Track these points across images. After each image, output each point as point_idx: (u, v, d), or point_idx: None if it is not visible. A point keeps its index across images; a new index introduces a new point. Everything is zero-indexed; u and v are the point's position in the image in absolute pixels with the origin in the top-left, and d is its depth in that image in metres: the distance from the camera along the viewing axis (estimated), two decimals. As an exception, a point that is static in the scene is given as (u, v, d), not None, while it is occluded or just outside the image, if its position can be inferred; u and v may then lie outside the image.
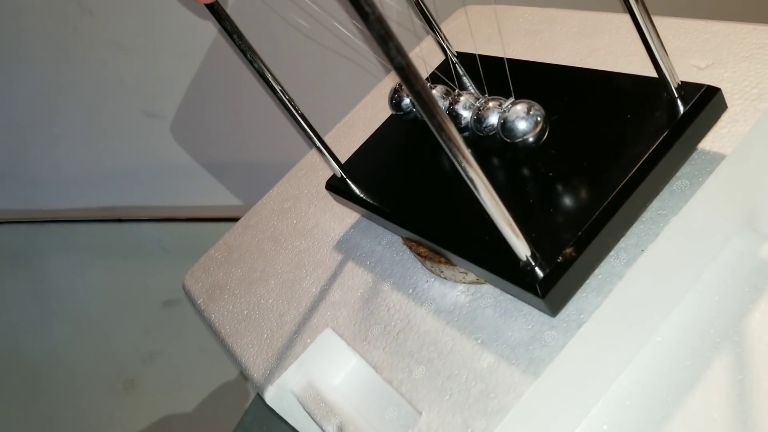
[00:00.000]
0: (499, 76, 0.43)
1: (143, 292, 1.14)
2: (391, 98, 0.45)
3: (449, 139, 0.29)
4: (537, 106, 0.36)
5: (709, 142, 0.38)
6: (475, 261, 0.36)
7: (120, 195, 1.20)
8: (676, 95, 0.35)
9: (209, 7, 0.40)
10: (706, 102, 0.34)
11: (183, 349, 1.08)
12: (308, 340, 0.44)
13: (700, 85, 0.35)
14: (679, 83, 0.35)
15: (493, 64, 0.46)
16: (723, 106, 0.35)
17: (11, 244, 1.24)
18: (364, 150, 0.49)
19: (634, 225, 0.36)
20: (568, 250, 0.32)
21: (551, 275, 0.32)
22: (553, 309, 0.33)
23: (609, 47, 0.48)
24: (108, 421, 1.14)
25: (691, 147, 0.36)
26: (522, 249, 0.32)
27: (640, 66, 0.44)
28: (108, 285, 1.17)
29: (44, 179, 1.22)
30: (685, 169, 0.38)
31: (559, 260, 0.32)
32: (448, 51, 0.49)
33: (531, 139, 0.36)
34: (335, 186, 0.48)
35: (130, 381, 1.16)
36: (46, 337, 1.16)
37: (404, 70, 0.26)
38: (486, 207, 0.30)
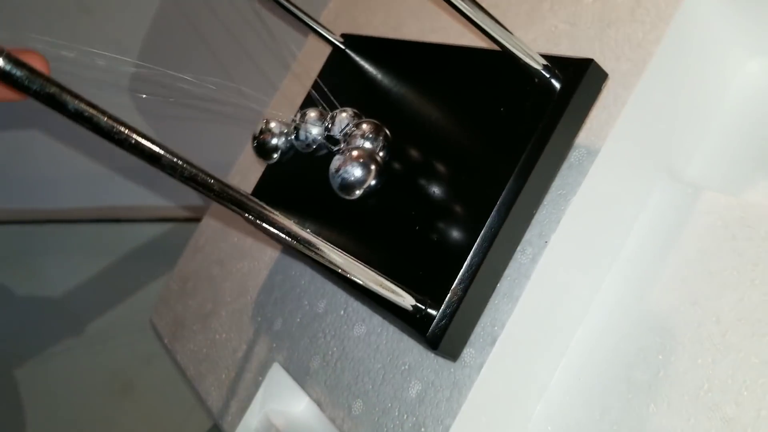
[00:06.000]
0: (386, 65, 0.40)
1: (142, 293, 1.15)
2: (260, 149, 0.42)
3: (296, 242, 0.26)
4: (361, 160, 0.34)
5: (601, 103, 0.34)
6: (373, 302, 0.34)
7: (119, 195, 1.20)
8: (548, 75, 0.31)
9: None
10: (580, 77, 0.31)
11: (181, 350, 1.10)
12: (260, 378, 0.44)
13: (569, 60, 0.31)
14: (545, 64, 0.31)
15: (385, 47, 0.42)
16: (602, 75, 0.31)
17: (9, 244, 1.25)
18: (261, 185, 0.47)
19: (537, 212, 0.34)
20: (454, 289, 0.30)
21: (439, 325, 0.30)
22: (452, 355, 0.31)
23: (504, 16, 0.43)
24: (105, 423, 1.17)
25: (579, 121, 0.32)
26: (405, 301, 0.30)
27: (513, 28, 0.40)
28: (106, 285, 1.18)
29: (43, 179, 1.22)
30: (582, 138, 0.34)
31: (446, 304, 0.30)
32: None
33: (373, 183, 0.33)
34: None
35: (128, 383, 1.19)
36: (43, 338, 1.18)
37: (194, 179, 0.24)
38: (354, 278, 0.28)
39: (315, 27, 0.44)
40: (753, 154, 0.34)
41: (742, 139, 0.35)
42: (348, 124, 0.36)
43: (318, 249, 0.27)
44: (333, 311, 0.42)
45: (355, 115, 0.37)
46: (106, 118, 0.22)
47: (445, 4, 0.28)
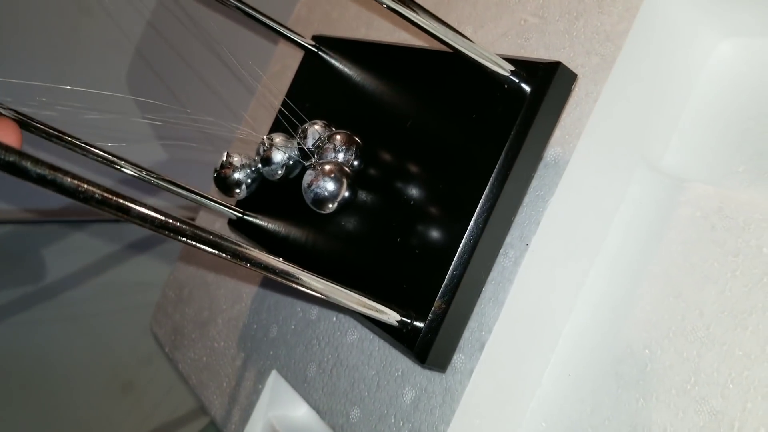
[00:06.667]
0: (361, 67, 0.39)
1: (142, 293, 1.15)
2: (221, 183, 0.42)
3: (275, 275, 0.27)
4: (332, 176, 0.34)
5: (573, 100, 0.34)
6: (359, 316, 0.34)
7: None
8: (517, 80, 0.31)
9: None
10: (548, 81, 0.30)
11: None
12: (259, 386, 0.45)
13: (536, 65, 0.30)
14: (512, 69, 0.31)
15: (357, 49, 0.42)
16: (571, 76, 0.31)
17: (10, 244, 1.25)
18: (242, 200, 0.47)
19: (516, 215, 0.34)
20: (438, 302, 0.30)
21: (425, 339, 0.30)
22: (441, 366, 0.31)
23: (471, 17, 0.43)
24: (105, 423, 1.17)
25: (552, 123, 0.32)
26: (390, 317, 0.30)
27: (493, 25, 0.39)
28: (106, 286, 1.19)
29: (43, 179, 1.21)
30: (556, 136, 0.34)
31: (430, 317, 0.30)
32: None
33: (346, 195, 0.33)
34: (238, 225, 0.46)
35: (128, 383, 1.20)
36: (44, 338, 1.19)
37: (165, 227, 0.24)
38: (337, 302, 0.29)
39: (285, 32, 0.43)
40: (729, 139, 0.34)
41: (717, 125, 0.34)
42: (319, 137, 0.36)
43: (297, 278, 0.27)
44: (326, 317, 0.42)
45: (326, 127, 0.37)
46: (69, 179, 0.22)
47: (411, 23, 0.28)
